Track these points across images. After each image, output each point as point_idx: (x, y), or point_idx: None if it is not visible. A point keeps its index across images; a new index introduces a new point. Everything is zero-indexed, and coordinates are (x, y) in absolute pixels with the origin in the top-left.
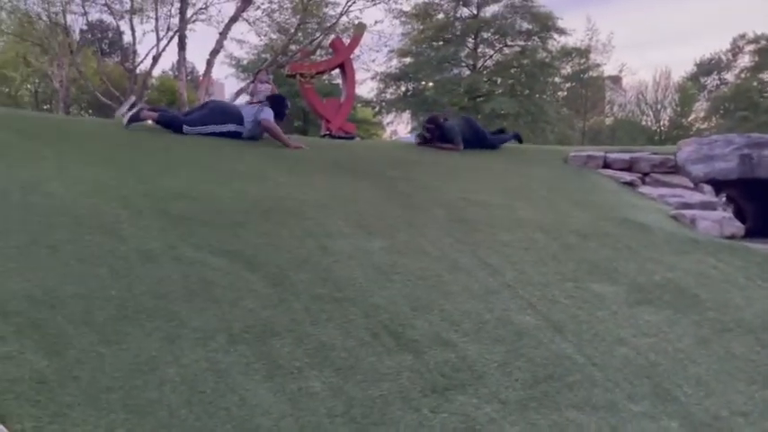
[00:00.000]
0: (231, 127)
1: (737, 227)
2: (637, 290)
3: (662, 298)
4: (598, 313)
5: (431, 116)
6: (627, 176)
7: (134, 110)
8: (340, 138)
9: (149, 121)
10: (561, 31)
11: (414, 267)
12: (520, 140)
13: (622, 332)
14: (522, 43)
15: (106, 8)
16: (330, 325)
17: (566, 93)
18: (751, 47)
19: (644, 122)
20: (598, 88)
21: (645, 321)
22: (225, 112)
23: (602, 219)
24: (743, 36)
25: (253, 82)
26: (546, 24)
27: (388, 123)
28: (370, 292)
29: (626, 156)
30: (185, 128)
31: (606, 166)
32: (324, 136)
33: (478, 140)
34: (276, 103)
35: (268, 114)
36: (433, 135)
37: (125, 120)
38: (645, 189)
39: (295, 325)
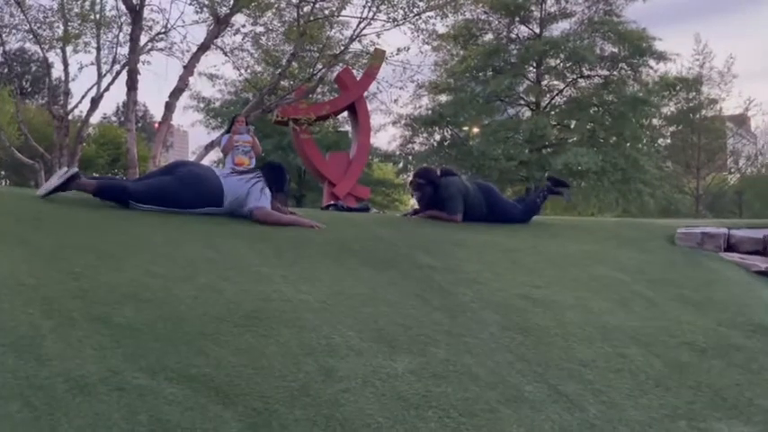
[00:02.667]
0: (204, 210)
1: None
2: None
3: None
4: None
5: (422, 168)
6: (760, 263)
7: (66, 175)
8: (350, 210)
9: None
10: (660, 56)
11: (456, 398)
12: (564, 185)
13: None
14: (604, 73)
15: (30, 35)
16: None
17: (669, 140)
18: None
19: None
20: (715, 133)
21: None
22: (199, 190)
23: (726, 325)
24: None
25: (227, 133)
26: (638, 47)
27: None
28: None
29: (758, 234)
30: (132, 203)
31: (730, 247)
32: (327, 207)
33: (496, 214)
34: (273, 175)
35: (260, 201)
36: (423, 194)
37: (47, 189)
38: None
39: None
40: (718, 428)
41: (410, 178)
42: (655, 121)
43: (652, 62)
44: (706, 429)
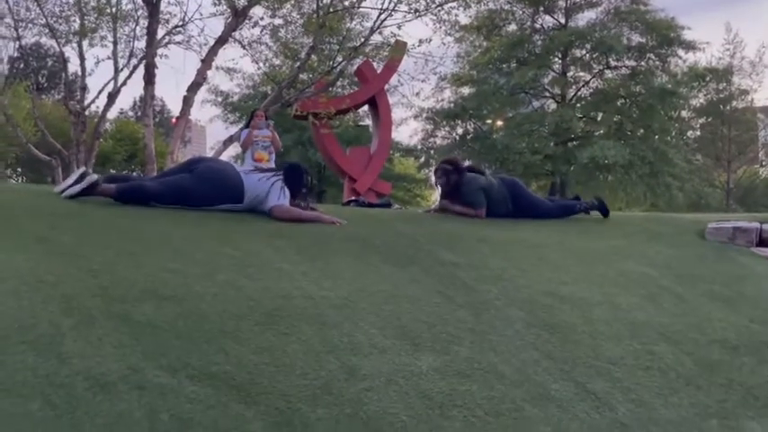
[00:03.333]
0: (224, 206)
1: None
2: None
3: None
4: None
5: (448, 158)
6: None
7: (85, 181)
8: (371, 205)
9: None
10: (689, 46)
11: (481, 397)
12: (604, 211)
13: None
14: (632, 63)
15: (47, 29)
16: None
17: (698, 133)
18: None
19: None
20: (747, 125)
21: None
22: (218, 186)
23: (759, 322)
24: None
25: (246, 127)
26: (666, 36)
27: None
28: None
29: None
30: (152, 203)
31: (762, 242)
32: (348, 203)
33: (522, 210)
34: (293, 177)
35: (280, 199)
36: (449, 181)
37: (69, 192)
38: None
39: None
40: (750, 427)
41: (435, 168)
42: (684, 113)
43: (681, 52)
44: (738, 428)
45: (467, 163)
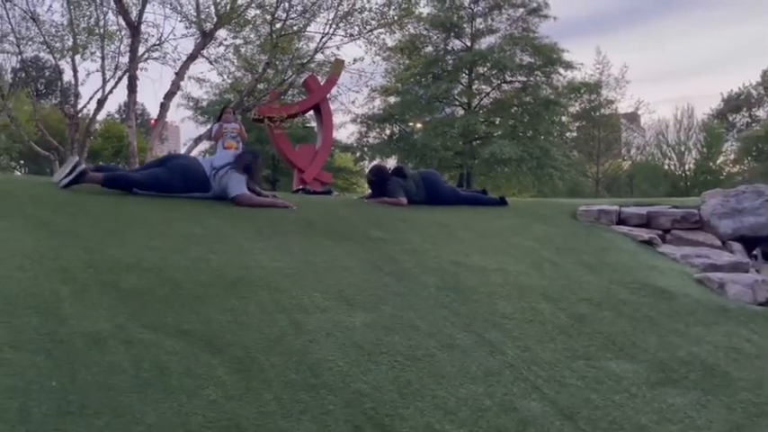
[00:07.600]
0: (195, 194)
1: None
2: (659, 368)
3: (688, 377)
4: (615, 397)
5: (376, 166)
6: (645, 234)
7: (76, 171)
8: (315, 193)
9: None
10: (568, 65)
11: (402, 346)
12: (504, 203)
13: (643, 418)
14: (523, 79)
15: (44, 46)
16: (305, 417)
17: (575, 134)
18: None
19: (666, 166)
20: (612, 128)
21: (669, 405)
22: (187, 178)
23: (617, 284)
24: None
25: (217, 121)
26: (550, 57)
27: None
28: (352, 377)
29: (643, 210)
30: (135, 190)
31: (621, 222)
32: (297, 191)
33: (435, 197)
34: (246, 165)
35: (239, 187)
36: (374, 188)
37: (62, 183)
38: (666, 248)
39: (264, 418)
40: (609, 366)
41: (367, 172)
42: (564, 119)
43: (561, 70)
44: (600, 367)
45: (393, 163)
